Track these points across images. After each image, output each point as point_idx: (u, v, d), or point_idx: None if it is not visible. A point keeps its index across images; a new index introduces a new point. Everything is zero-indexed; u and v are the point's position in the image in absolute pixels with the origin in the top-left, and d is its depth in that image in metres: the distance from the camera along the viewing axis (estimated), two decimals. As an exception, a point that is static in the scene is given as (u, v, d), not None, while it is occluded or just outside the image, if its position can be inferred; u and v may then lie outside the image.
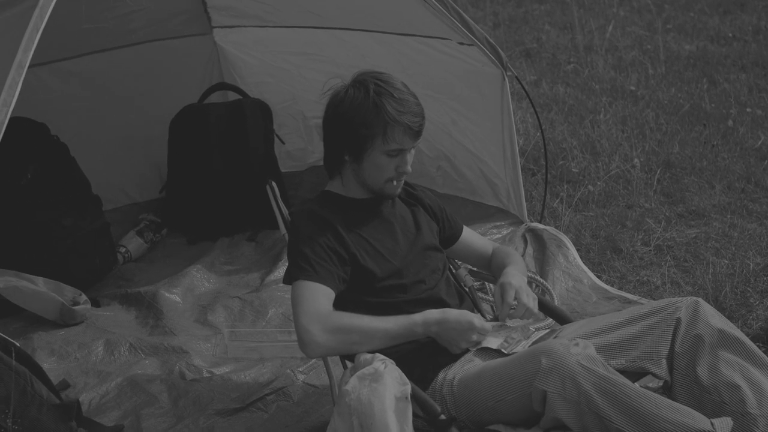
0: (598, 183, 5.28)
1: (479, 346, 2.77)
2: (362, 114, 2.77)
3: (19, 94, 2.66)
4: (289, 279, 2.79)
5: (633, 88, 6.99)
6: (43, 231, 4.18)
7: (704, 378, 2.59)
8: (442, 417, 2.60)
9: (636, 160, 5.52)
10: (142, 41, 4.94)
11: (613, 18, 9.03)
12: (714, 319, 2.65)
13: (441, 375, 2.76)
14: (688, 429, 2.35)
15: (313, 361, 3.54)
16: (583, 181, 5.32)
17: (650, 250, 4.50)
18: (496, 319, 2.93)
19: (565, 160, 5.60)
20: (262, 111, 4.96)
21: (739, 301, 3.91)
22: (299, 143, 5.38)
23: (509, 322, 2.84)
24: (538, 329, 2.88)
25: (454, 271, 3.27)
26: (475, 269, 3.35)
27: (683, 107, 6.44)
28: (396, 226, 2.96)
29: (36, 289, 3.96)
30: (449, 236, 3.16)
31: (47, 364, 3.58)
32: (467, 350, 2.78)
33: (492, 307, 3.49)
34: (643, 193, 5.16)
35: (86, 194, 4.49)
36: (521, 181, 4.65)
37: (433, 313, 2.73)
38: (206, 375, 3.56)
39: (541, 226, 4.62)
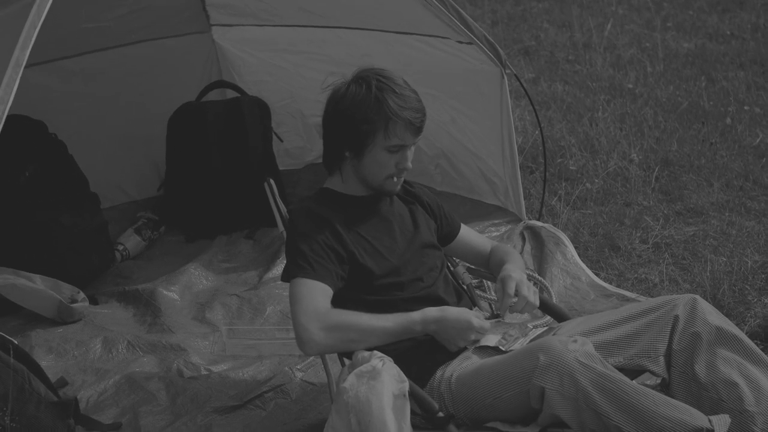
0: (597, 181, 5.28)
1: (477, 345, 2.77)
2: (364, 109, 2.77)
3: (19, 93, 2.66)
4: (287, 277, 2.79)
5: (631, 86, 6.99)
6: (43, 231, 4.18)
7: (702, 375, 2.59)
8: (440, 414, 2.60)
9: (634, 155, 5.52)
10: (141, 40, 4.94)
11: (612, 16, 9.02)
12: (712, 316, 2.65)
13: (439, 372, 2.76)
14: (685, 426, 2.36)
15: (311, 358, 3.54)
16: (582, 179, 5.32)
17: (648, 248, 4.50)
18: (494, 316, 2.92)
19: (564, 158, 5.60)
20: (261, 109, 4.95)
21: (737, 298, 3.92)
22: (298, 141, 5.38)
23: (508, 318, 2.84)
24: (535, 327, 2.88)
25: (452, 268, 3.27)
26: (473, 267, 3.35)
27: (682, 105, 6.43)
28: (394, 224, 2.96)
29: (34, 287, 3.96)
30: (447, 234, 3.16)
31: (45, 362, 3.58)
32: (465, 348, 2.78)
33: (490, 304, 3.49)
34: (642, 191, 5.16)
35: (84, 192, 4.48)
36: (520, 179, 4.65)
37: (431, 312, 2.73)
38: (204, 372, 3.56)
39: (539, 223, 4.62)
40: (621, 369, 2.58)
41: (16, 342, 2.97)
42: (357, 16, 4.65)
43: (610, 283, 4.18)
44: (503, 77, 4.39)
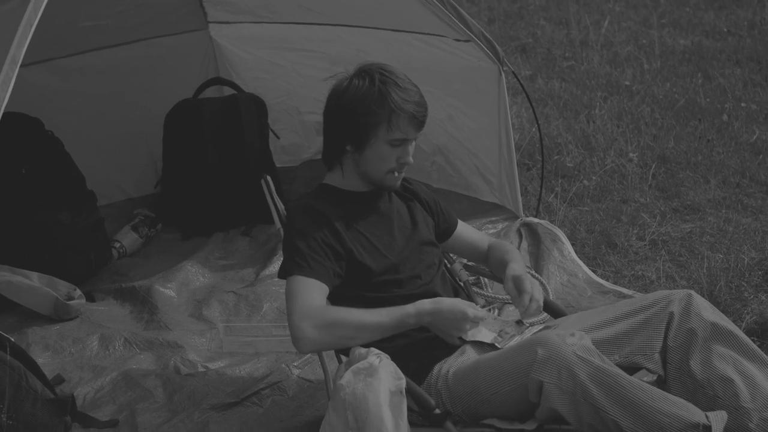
0: (593, 178, 5.29)
1: (473, 339, 2.76)
2: (367, 102, 2.77)
3: (17, 91, 2.66)
4: (284, 274, 2.79)
5: (628, 83, 6.99)
6: (42, 230, 4.18)
7: (697, 372, 2.59)
8: (437, 411, 2.60)
9: (631, 154, 5.52)
10: (139, 38, 4.94)
11: (609, 13, 9.03)
12: (707, 312, 2.65)
13: (436, 369, 2.76)
14: (682, 421, 2.36)
15: (309, 355, 3.54)
16: (578, 176, 5.33)
17: (645, 245, 4.50)
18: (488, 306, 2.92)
19: (560, 154, 5.60)
20: (257, 106, 4.95)
21: (733, 295, 3.92)
22: (294, 138, 5.38)
23: (527, 321, 2.83)
24: (532, 324, 2.88)
25: (448, 265, 3.27)
26: (470, 263, 3.35)
27: (678, 102, 6.44)
28: (393, 221, 2.96)
29: (30, 284, 3.96)
30: (444, 230, 3.16)
31: (42, 359, 3.58)
32: (462, 342, 2.77)
33: (486, 300, 3.49)
34: (638, 188, 5.16)
35: (81, 190, 4.48)
36: (517, 176, 4.65)
37: (425, 304, 2.71)
38: (201, 370, 3.56)
39: (536, 220, 4.62)
40: (617, 366, 2.58)
41: (12, 339, 2.97)
42: (355, 14, 4.64)
43: (607, 280, 4.18)
44: (501, 74, 4.39)
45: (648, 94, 6.71)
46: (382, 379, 2.44)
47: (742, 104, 6.39)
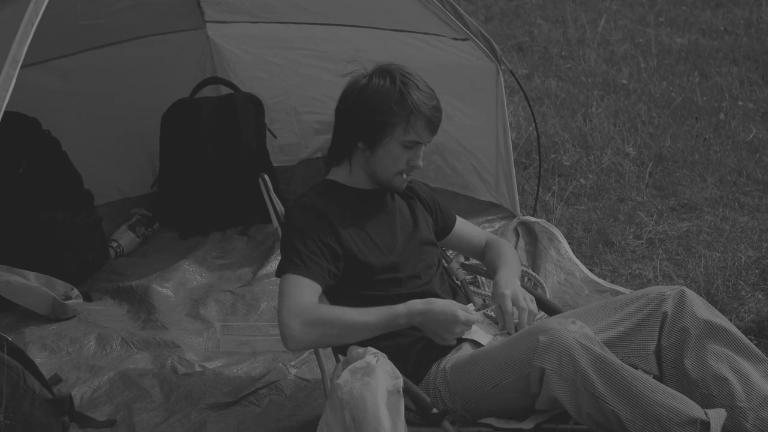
0: (590, 176, 5.29)
1: (469, 337, 2.76)
2: (387, 101, 2.77)
3: (15, 91, 2.65)
4: (279, 272, 2.79)
5: (625, 81, 7.00)
6: (41, 229, 4.18)
7: (692, 371, 2.59)
8: (435, 410, 2.60)
9: (630, 149, 5.52)
10: (136, 37, 4.94)
11: (606, 12, 9.03)
12: (700, 309, 2.65)
13: (434, 367, 2.75)
14: (681, 415, 2.35)
15: (306, 354, 3.55)
16: (575, 175, 5.33)
17: (642, 244, 4.51)
18: (484, 307, 2.91)
19: (557, 153, 5.61)
20: (254, 105, 4.95)
21: (731, 294, 3.92)
22: (291, 138, 5.37)
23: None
24: (528, 324, 2.87)
25: (446, 264, 3.27)
26: (467, 262, 3.34)
27: (675, 101, 6.44)
28: (396, 220, 2.96)
29: (27, 284, 3.95)
30: (443, 228, 3.16)
31: (39, 359, 3.58)
32: (456, 341, 2.76)
33: (484, 300, 3.49)
34: (635, 187, 5.16)
35: (78, 189, 4.48)
36: (514, 174, 4.65)
37: (417, 304, 2.68)
38: (198, 369, 3.56)
39: (533, 219, 4.62)
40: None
41: (10, 339, 2.97)
42: (353, 13, 4.64)
43: (604, 279, 4.19)
44: (498, 72, 4.39)
45: (645, 92, 6.71)
46: (379, 379, 2.44)
47: (739, 103, 6.40)
